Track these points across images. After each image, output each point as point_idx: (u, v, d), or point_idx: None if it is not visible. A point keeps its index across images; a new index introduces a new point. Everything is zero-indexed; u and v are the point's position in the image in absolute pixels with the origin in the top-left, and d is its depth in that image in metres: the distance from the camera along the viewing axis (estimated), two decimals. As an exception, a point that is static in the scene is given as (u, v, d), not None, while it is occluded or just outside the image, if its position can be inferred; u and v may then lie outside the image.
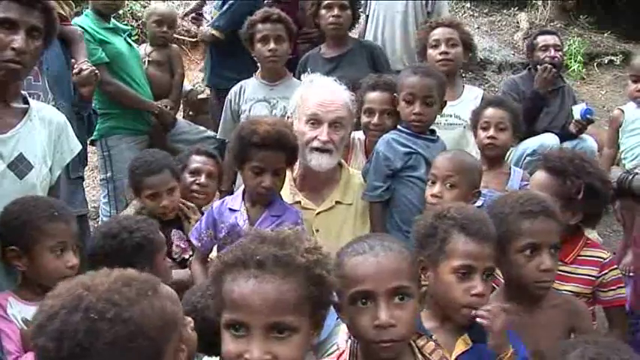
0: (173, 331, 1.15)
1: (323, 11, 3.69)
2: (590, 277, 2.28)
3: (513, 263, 1.91)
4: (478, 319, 1.68)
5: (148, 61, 4.12)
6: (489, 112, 2.95)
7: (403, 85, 2.77)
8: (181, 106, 4.78)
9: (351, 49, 3.76)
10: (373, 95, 2.97)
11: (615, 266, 2.33)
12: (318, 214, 2.71)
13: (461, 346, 1.70)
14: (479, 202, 2.58)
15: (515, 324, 1.89)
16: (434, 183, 2.49)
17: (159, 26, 4.15)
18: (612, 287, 2.30)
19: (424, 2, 4.24)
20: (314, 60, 3.74)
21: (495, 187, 2.77)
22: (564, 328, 1.95)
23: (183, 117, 4.84)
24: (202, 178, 2.99)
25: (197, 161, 3.03)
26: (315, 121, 2.65)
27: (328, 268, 1.34)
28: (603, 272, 2.29)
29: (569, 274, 2.28)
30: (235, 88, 3.64)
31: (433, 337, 1.63)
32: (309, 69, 3.60)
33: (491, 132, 2.89)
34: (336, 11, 3.65)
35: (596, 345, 1.41)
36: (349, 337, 1.62)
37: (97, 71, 3.16)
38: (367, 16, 4.35)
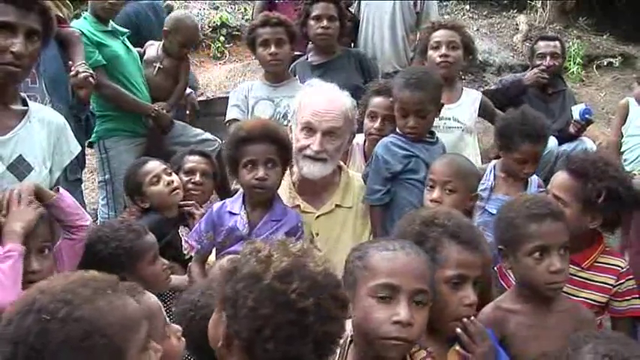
0: (136, 330, 1.13)
1: (312, 22, 3.70)
2: (607, 286, 2.28)
3: (523, 266, 1.92)
4: (458, 348, 1.67)
5: (159, 67, 4.07)
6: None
7: (396, 97, 2.77)
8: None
9: (340, 55, 3.78)
10: (378, 100, 3.01)
11: (631, 276, 2.32)
12: (317, 217, 2.70)
13: (454, 358, 1.70)
14: (494, 210, 2.58)
15: (525, 325, 1.92)
16: (432, 188, 2.49)
17: (182, 46, 4.05)
18: (627, 297, 2.30)
19: (412, 2, 4.26)
20: (302, 68, 3.76)
21: (514, 195, 2.69)
22: (571, 334, 1.93)
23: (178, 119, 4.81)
24: (197, 177, 3.06)
25: (191, 161, 3.10)
26: (309, 129, 2.63)
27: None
28: (620, 281, 2.29)
29: (586, 281, 2.28)
30: (245, 85, 3.68)
31: (428, 349, 1.62)
32: (297, 77, 3.65)
33: None
34: (324, 22, 3.67)
35: (608, 340, 1.41)
36: None
37: (93, 74, 3.14)
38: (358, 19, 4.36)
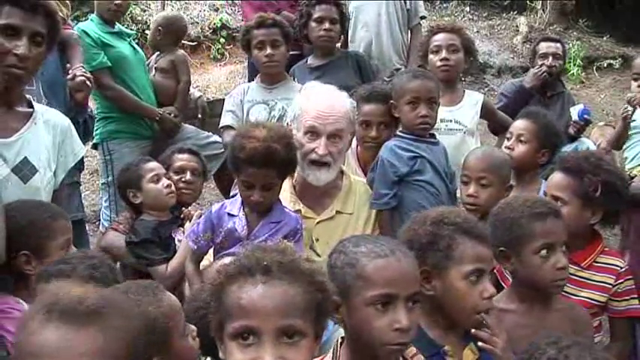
0: (178, 319, 1.29)
1: (313, 24, 3.69)
2: (606, 285, 2.29)
3: (529, 265, 1.93)
4: (480, 344, 1.69)
5: (155, 68, 4.10)
6: None
7: (405, 89, 2.76)
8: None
9: (338, 57, 3.79)
10: (369, 107, 2.94)
11: (630, 276, 2.33)
12: (318, 223, 2.68)
13: (469, 356, 1.71)
14: None
15: (520, 325, 1.92)
16: (467, 183, 2.56)
17: (157, 31, 4.14)
18: (625, 297, 2.31)
19: (403, 1, 4.27)
20: (300, 71, 3.77)
21: None
22: (567, 334, 1.95)
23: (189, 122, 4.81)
24: (188, 176, 3.04)
25: (181, 159, 3.09)
26: (313, 133, 2.60)
27: (326, 277, 1.38)
28: (619, 281, 2.30)
29: (586, 280, 2.29)
30: (241, 88, 3.69)
31: (446, 348, 1.65)
32: (296, 80, 3.65)
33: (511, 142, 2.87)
34: (327, 25, 3.66)
35: (552, 347, 1.41)
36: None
37: (90, 77, 3.13)
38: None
